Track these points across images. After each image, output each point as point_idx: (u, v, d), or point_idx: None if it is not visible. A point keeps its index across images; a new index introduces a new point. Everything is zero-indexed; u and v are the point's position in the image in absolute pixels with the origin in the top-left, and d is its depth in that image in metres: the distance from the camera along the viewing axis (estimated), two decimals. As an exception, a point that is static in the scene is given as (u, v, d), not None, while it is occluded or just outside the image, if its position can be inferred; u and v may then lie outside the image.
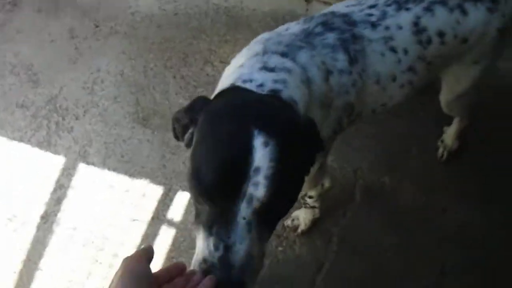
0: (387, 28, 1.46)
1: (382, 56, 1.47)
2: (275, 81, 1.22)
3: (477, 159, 2.27)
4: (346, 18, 1.46)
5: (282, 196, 1.04)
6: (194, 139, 1.12)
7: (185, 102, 2.34)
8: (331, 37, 1.41)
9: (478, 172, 2.26)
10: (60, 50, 2.64)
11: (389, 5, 1.48)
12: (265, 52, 1.32)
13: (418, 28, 1.48)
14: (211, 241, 1.04)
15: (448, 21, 1.49)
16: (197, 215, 1.10)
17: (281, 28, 1.47)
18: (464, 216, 2.21)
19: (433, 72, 1.57)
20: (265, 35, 1.43)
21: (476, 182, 2.26)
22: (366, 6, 1.49)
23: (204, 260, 1.05)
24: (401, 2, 1.48)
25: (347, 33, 1.43)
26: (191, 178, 1.06)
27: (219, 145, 1.05)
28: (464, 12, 1.49)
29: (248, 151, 1.01)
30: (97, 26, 2.66)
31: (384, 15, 1.47)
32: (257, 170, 1.00)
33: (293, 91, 1.23)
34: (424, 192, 2.25)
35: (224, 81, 1.31)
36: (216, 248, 1.03)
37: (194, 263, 1.08)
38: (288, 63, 1.29)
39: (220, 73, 2.39)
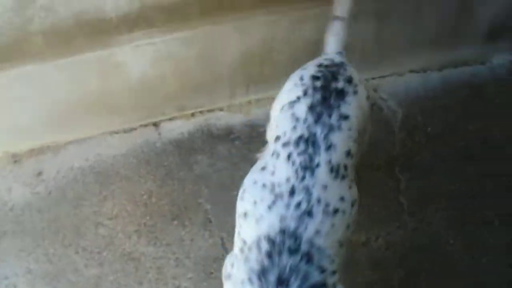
0: (319, 201, 1.63)
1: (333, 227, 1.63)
2: None
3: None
4: (292, 238, 1.58)
5: None
6: None
7: (97, 271, 2.58)
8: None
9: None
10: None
11: (303, 177, 1.65)
12: None
13: (332, 167, 1.68)
14: None
15: (342, 137, 1.74)
16: None
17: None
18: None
19: None
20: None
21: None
22: (287, 199, 1.63)
23: None
24: (307, 165, 1.67)
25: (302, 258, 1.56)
26: None
27: None
28: (345, 117, 1.78)
29: None
30: (-15, 236, 2.78)
31: (307, 191, 1.63)
32: None
33: None
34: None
35: None
36: None
37: None
38: None
39: (113, 229, 2.59)
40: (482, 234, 2.71)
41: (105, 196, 2.84)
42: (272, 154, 1.75)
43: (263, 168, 1.73)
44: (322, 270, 1.55)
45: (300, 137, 1.71)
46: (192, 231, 2.59)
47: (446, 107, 3.07)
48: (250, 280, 1.55)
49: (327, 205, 1.62)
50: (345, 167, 1.71)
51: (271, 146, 1.80)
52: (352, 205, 1.70)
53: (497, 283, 2.55)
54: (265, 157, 1.79)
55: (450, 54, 3.25)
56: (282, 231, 1.57)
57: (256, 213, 1.65)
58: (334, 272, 1.61)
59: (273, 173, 1.69)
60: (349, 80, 1.87)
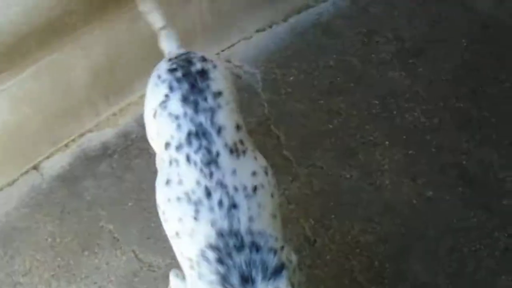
0: (236, 189, 1.59)
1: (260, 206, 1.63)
2: None
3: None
4: (232, 236, 1.55)
5: None
6: None
7: None
8: None
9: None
10: None
11: (211, 174, 1.60)
12: None
13: (231, 148, 1.65)
14: None
15: (225, 114, 1.72)
16: None
17: None
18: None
19: None
20: None
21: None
22: (207, 202, 1.59)
23: None
24: (209, 159, 1.61)
25: None
26: None
27: None
28: (219, 94, 1.74)
29: None
30: None
31: (222, 185, 1.59)
32: None
33: None
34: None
35: None
36: None
37: None
38: None
39: (31, 283, 2.54)
40: (375, 159, 2.82)
41: (11, 255, 2.77)
42: (170, 163, 1.66)
43: (168, 182, 1.66)
44: (274, 251, 1.54)
45: (189, 134, 1.64)
46: (104, 255, 2.57)
47: (300, 52, 3.16)
48: None
49: (245, 188, 1.59)
50: (241, 142, 1.69)
51: (164, 155, 1.71)
52: (266, 173, 1.69)
53: (407, 199, 2.68)
54: (163, 169, 1.71)
55: (291, 1, 3.32)
56: (220, 234, 1.54)
57: (186, 228, 1.60)
58: (282, 248, 1.62)
59: (180, 182, 1.62)
60: (204, 59, 1.82)
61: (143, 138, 2.73)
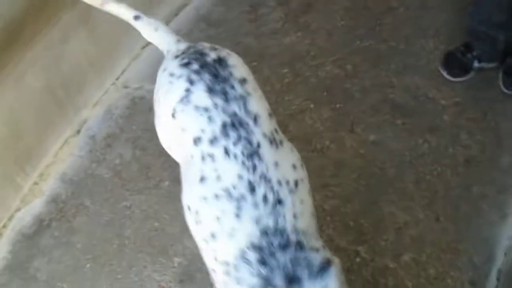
0: (280, 183, 1.47)
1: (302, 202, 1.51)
2: None
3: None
4: (277, 234, 1.42)
5: None
6: None
7: None
8: None
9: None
10: None
11: (254, 166, 1.46)
12: None
13: (270, 139, 1.52)
14: None
15: (256, 101, 1.57)
16: None
17: None
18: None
19: None
20: None
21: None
22: (251, 197, 1.45)
23: None
24: (250, 151, 1.48)
25: None
26: None
27: None
28: (244, 80, 1.59)
29: None
30: None
31: (266, 179, 1.46)
32: None
33: None
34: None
35: None
36: None
37: None
38: None
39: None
40: (307, 125, 2.75)
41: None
42: (203, 159, 1.49)
43: (203, 179, 1.49)
44: (317, 250, 1.43)
45: (224, 126, 1.48)
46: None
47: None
48: None
49: (287, 182, 1.47)
50: (276, 131, 1.56)
51: (194, 152, 1.54)
52: (302, 166, 1.57)
53: (353, 152, 2.62)
54: (194, 167, 1.53)
55: (167, 5, 3.26)
56: (264, 233, 1.40)
57: (226, 228, 1.44)
58: (324, 247, 1.50)
59: (219, 178, 1.46)
60: (214, 48, 1.65)
61: (73, 194, 2.59)
